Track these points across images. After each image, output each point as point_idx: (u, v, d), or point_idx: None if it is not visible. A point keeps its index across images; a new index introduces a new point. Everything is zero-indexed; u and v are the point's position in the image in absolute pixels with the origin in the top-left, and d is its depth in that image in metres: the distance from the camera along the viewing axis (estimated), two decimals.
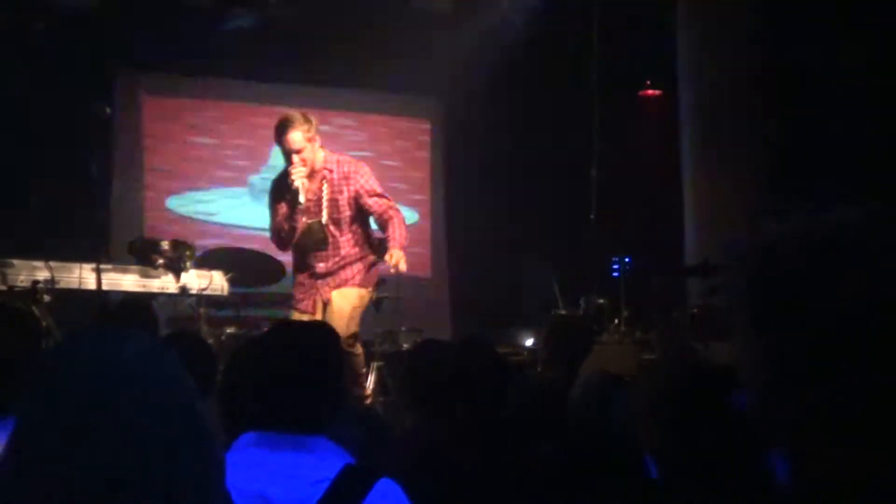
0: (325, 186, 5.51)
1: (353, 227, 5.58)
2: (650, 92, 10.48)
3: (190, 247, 6.29)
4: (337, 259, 5.55)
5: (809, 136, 8.29)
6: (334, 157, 5.64)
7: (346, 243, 5.56)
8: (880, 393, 1.03)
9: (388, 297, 7.54)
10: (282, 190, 5.52)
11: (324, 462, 2.11)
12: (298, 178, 5.38)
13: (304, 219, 5.52)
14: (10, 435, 1.07)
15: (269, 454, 2.11)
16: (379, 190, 5.60)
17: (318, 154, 5.50)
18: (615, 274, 8.26)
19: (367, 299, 5.76)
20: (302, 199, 5.39)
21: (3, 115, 8.10)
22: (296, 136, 5.39)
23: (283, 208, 5.51)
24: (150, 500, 1.05)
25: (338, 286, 5.56)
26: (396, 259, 5.34)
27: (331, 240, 5.53)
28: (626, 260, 8.27)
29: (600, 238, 8.08)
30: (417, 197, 10.43)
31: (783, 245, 1.09)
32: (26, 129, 8.21)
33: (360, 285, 5.62)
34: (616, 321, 7.52)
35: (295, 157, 5.41)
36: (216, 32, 8.98)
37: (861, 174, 7.48)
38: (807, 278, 1.06)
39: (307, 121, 5.45)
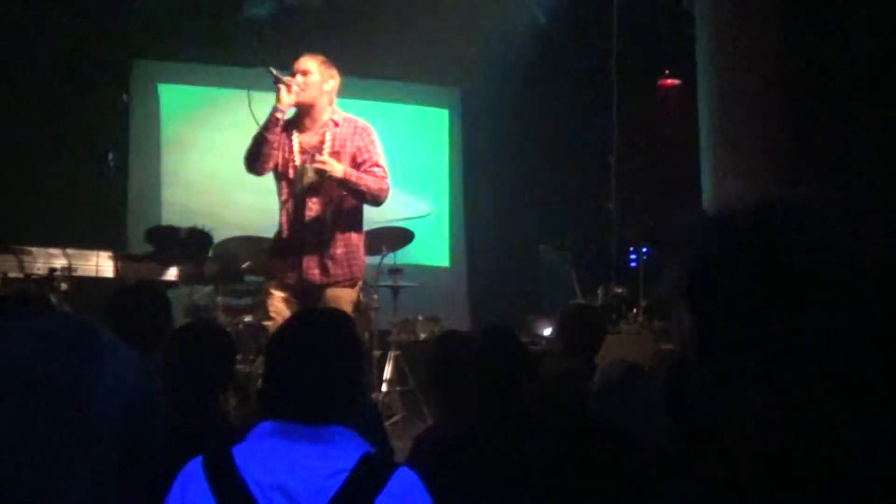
0: (327, 137, 5.05)
1: (348, 196, 5.03)
2: (669, 81, 10.40)
3: (208, 235, 6.28)
4: (327, 221, 5.00)
5: (823, 130, 8.23)
6: (345, 114, 5.17)
7: (338, 199, 5.01)
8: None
9: (405, 287, 7.53)
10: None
11: (342, 452, 2.09)
12: (282, 84, 4.87)
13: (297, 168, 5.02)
14: None
15: (287, 445, 2.08)
16: (381, 162, 5.06)
17: (324, 104, 5.05)
18: (633, 264, 8.22)
19: (356, 298, 5.28)
20: (281, 106, 4.91)
21: (21, 105, 8.11)
22: (309, 61, 5.00)
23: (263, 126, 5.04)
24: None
25: (328, 283, 5.01)
26: (330, 163, 4.88)
27: (323, 192, 4.98)
28: (645, 250, 8.23)
29: (619, 227, 8.03)
30: (436, 186, 10.38)
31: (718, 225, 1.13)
32: (44, 119, 8.22)
33: (351, 285, 5.09)
34: (634, 311, 7.50)
35: (299, 77, 4.97)
36: (233, 21, 8.96)
37: (872, 169, 7.42)
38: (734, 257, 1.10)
39: (329, 64, 5.05)
